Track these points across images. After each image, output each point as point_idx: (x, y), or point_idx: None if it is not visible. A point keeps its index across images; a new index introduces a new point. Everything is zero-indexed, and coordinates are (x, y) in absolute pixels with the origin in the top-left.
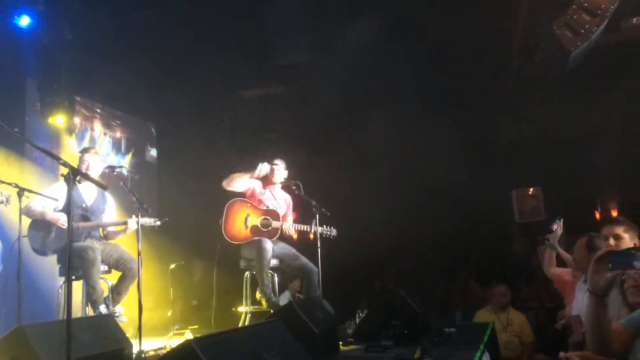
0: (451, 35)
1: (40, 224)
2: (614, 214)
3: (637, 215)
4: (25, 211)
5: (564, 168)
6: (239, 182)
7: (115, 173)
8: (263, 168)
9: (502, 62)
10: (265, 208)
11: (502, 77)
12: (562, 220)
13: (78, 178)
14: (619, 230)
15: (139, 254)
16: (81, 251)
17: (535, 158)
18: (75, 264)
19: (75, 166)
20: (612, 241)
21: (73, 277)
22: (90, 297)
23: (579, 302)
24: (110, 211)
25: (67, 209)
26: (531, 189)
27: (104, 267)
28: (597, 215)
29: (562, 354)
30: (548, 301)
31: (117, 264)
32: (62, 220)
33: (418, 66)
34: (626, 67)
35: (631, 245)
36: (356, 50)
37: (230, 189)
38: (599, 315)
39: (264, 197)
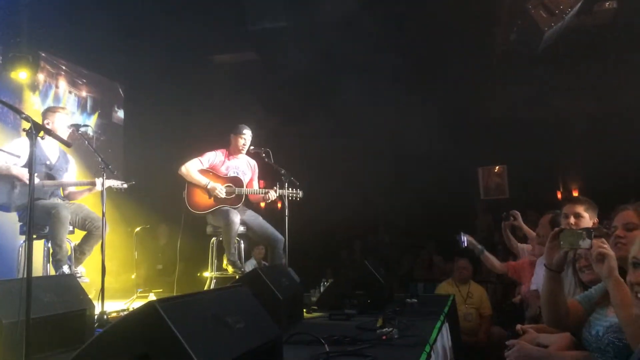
0: (433, 6)
1: (4, 179)
2: (575, 194)
3: (596, 196)
4: None
5: (529, 148)
6: (194, 168)
7: (80, 132)
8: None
9: (483, 38)
10: (228, 176)
11: (480, 54)
12: (466, 236)
13: (41, 134)
14: (580, 209)
15: (102, 215)
16: (51, 208)
17: (501, 137)
18: (41, 222)
19: (41, 120)
20: (572, 219)
21: (35, 236)
22: (55, 256)
23: (539, 277)
24: (72, 171)
25: (29, 165)
26: (497, 167)
27: (69, 227)
28: (559, 195)
29: (519, 326)
30: (507, 276)
31: (83, 223)
32: (27, 176)
33: (396, 37)
34: (596, 51)
35: (590, 224)
36: (333, 18)
37: (189, 179)
38: (554, 290)
39: (228, 164)
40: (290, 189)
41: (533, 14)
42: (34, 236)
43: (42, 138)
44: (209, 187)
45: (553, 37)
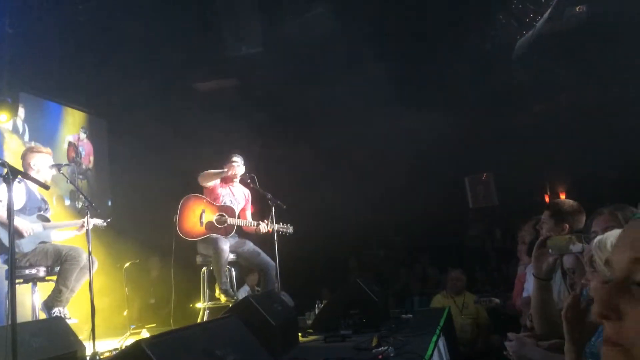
0: (411, 18)
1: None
2: (562, 196)
3: (584, 197)
4: None
5: (514, 153)
6: (212, 178)
7: (61, 172)
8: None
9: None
10: (221, 204)
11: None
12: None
13: (18, 178)
14: (545, 215)
15: (89, 253)
16: (68, 251)
17: (485, 143)
18: (44, 263)
19: (21, 162)
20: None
21: (21, 281)
22: (59, 297)
23: (530, 283)
24: (49, 211)
25: (8, 209)
26: (484, 175)
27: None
28: (547, 199)
29: (511, 335)
30: (502, 284)
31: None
32: (25, 228)
33: (374, 48)
34: (571, 53)
35: (555, 229)
36: (309, 40)
37: (205, 184)
38: (545, 299)
39: (222, 192)
40: (280, 223)
41: (504, 24)
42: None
43: (19, 182)
44: (229, 173)
45: (526, 44)
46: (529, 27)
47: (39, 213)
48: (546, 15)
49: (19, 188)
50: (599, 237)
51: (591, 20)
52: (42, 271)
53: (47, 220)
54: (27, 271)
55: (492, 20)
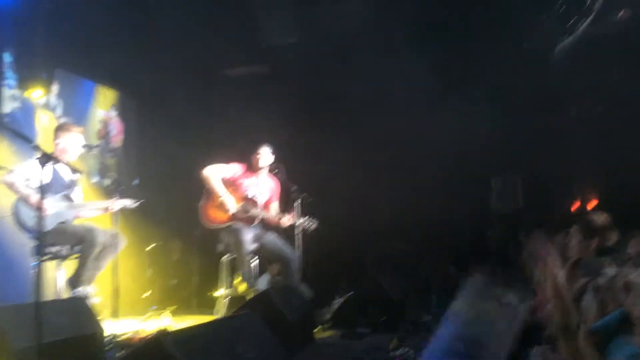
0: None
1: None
2: (593, 205)
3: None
4: (8, 185)
5: (544, 156)
6: (217, 174)
7: (92, 152)
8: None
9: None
10: (245, 195)
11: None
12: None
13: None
14: (572, 229)
15: (117, 235)
16: (86, 232)
17: (515, 145)
18: (67, 242)
19: (52, 141)
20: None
21: (49, 257)
22: (80, 276)
23: None
24: (79, 191)
25: (42, 191)
26: (511, 176)
27: None
28: (577, 206)
29: (536, 350)
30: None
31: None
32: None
33: (411, 47)
34: (613, 59)
35: (582, 245)
36: (343, 32)
37: (208, 184)
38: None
39: (247, 183)
40: (305, 217)
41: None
42: (48, 257)
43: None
44: (220, 199)
45: (567, 47)
46: (572, 30)
47: (64, 193)
48: (590, 18)
49: (46, 167)
50: None
51: (635, 25)
52: (64, 250)
53: (70, 199)
54: (51, 249)
55: (535, 21)
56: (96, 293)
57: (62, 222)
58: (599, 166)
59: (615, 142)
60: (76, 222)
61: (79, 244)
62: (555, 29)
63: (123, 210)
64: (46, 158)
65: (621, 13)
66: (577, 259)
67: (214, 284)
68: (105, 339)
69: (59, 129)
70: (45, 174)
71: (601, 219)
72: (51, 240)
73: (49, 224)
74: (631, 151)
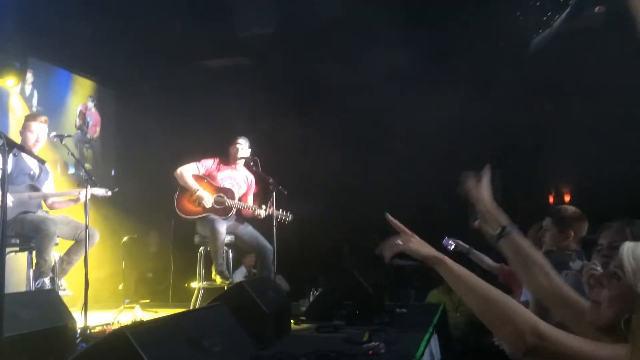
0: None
1: None
2: (567, 199)
3: (589, 199)
4: None
5: (520, 151)
6: (189, 172)
7: (63, 143)
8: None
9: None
10: (221, 186)
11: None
12: (452, 239)
13: (14, 150)
14: (545, 222)
15: (86, 227)
16: (40, 223)
17: (492, 140)
18: (30, 234)
19: (19, 132)
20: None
21: (17, 249)
22: (39, 268)
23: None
24: (51, 180)
25: (2, 181)
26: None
27: (56, 240)
28: (551, 199)
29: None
30: (498, 281)
31: (73, 232)
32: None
33: (394, 44)
34: (586, 56)
35: (556, 239)
36: (321, 22)
37: (182, 182)
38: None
39: (223, 175)
40: (281, 210)
41: (521, 21)
42: (16, 249)
43: (15, 155)
44: (196, 194)
45: (542, 42)
46: (546, 26)
47: (29, 183)
48: (565, 13)
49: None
50: (631, 244)
51: (610, 21)
52: (19, 241)
53: (36, 190)
54: (13, 240)
55: (509, 16)
56: (69, 286)
57: (24, 213)
58: (574, 160)
59: (591, 137)
60: (53, 214)
61: (35, 234)
62: (532, 23)
63: (96, 200)
64: (9, 147)
65: (596, 9)
66: (545, 252)
67: (190, 276)
68: (77, 332)
69: (26, 118)
70: (8, 162)
71: (572, 209)
72: (12, 231)
73: (10, 214)
74: (607, 145)
